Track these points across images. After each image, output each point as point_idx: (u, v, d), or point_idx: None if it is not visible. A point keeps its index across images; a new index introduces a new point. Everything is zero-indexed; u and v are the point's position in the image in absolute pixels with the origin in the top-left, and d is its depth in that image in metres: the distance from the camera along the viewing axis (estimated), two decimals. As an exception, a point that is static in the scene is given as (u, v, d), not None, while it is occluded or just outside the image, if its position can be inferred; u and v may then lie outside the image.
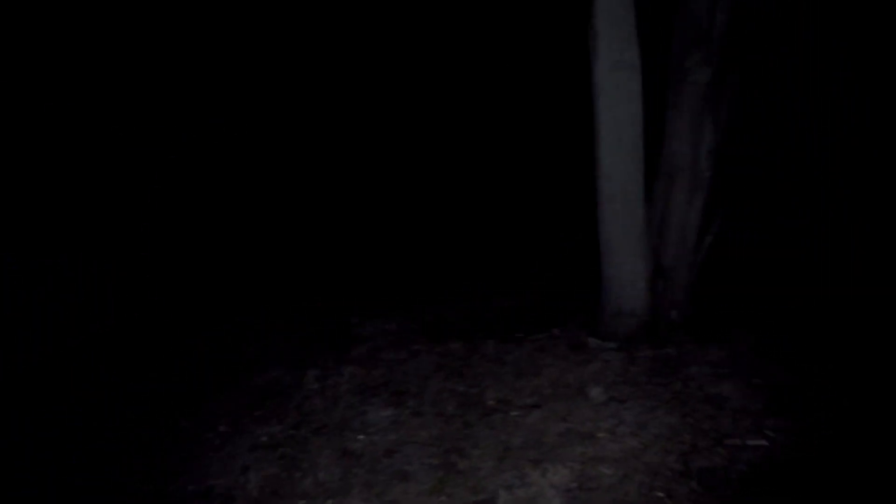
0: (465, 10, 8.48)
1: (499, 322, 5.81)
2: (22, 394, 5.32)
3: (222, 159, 8.62)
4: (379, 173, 9.40)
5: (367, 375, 4.92)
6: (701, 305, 5.33)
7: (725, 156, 5.31)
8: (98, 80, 7.50)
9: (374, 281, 7.36)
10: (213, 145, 8.53)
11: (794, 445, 3.64)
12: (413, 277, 7.38)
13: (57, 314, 6.43)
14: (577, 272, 6.02)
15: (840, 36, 6.38)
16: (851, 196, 6.71)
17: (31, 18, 6.99)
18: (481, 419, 4.20)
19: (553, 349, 5.00)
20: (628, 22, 4.88)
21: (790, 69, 6.56)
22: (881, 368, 4.30)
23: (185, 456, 4.33)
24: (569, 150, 6.57)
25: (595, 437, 3.89)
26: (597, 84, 4.98)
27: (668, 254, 5.28)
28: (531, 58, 8.41)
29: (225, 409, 4.82)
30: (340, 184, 9.25)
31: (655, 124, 5.20)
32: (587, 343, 5.06)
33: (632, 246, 5.14)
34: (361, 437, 4.15)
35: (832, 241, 6.33)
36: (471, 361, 4.97)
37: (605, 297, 5.26)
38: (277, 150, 9.09)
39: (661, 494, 3.39)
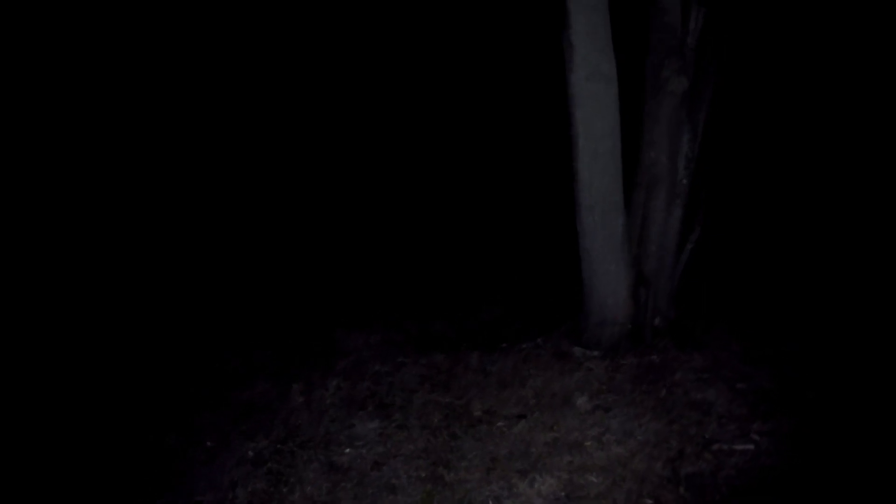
0: (464, 24, 8.54)
1: (483, 332, 5.82)
2: None
3: (200, 166, 8.57)
4: (360, 183, 9.39)
5: (352, 388, 4.90)
6: (684, 312, 5.36)
7: (704, 163, 5.36)
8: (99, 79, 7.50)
9: (358, 292, 7.33)
10: (193, 150, 8.49)
11: (780, 449, 3.68)
12: (395, 288, 7.36)
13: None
14: (561, 281, 6.03)
15: (816, 41, 6.49)
16: (832, 200, 6.79)
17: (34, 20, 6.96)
18: (467, 431, 4.21)
19: (537, 359, 5.01)
20: (604, 33, 4.90)
21: (766, 75, 6.66)
22: (864, 372, 4.34)
23: (172, 471, 4.29)
24: (554, 158, 6.59)
25: (582, 445, 3.90)
26: (572, 95, 4.98)
27: (649, 262, 5.31)
28: (518, 63, 8.44)
29: (211, 424, 4.77)
30: (323, 192, 9.23)
31: (633, 134, 5.24)
32: (572, 352, 5.07)
33: (612, 255, 5.16)
34: (348, 450, 4.14)
35: (815, 244, 6.40)
36: (456, 373, 4.96)
37: (587, 306, 5.28)
38: (252, 161, 9.04)
39: (649, 501, 3.41)
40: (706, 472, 3.57)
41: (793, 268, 6.23)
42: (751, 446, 3.73)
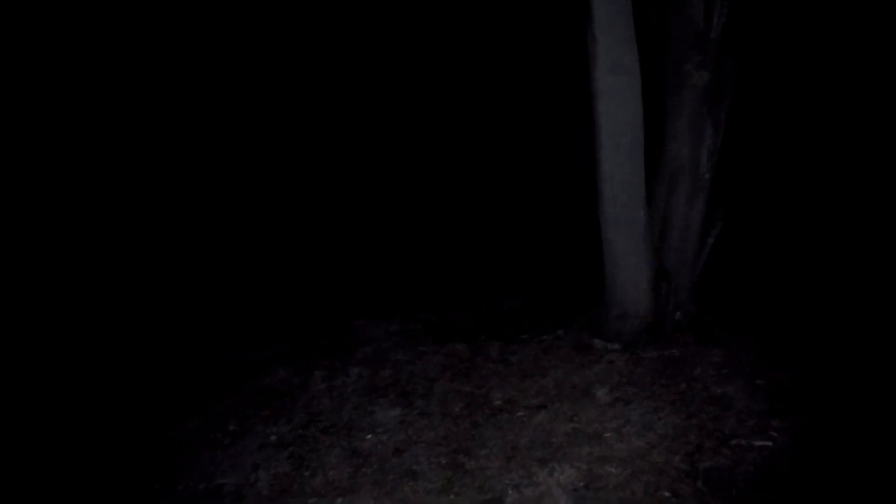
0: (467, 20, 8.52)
1: (503, 323, 5.85)
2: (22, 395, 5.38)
3: (221, 161, 8.62)
4: (381, 175, 9.41)
5: (373, 376, 4.96)
6: (704, 307, 5.37)
7: (726, 157, 5.36)
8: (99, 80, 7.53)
9: (377, 284, 7.38)
10: (215, 147, 8.53)
11: (798, 446, 3.69)
12: (415, 280, 7.41)
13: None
14: (581, 274, 6.05)
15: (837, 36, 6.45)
16: (854, 194, 6.76)
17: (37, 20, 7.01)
18: (488, 419, 4.25)
19: (558, 350, 5.05)
20: (626, 26, 4.91)
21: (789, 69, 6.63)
22: (885, 370, 4.35)
23: (195, 455, 4.34)
24: (571, 150, 6.60)
25: (601, 436, 3.94)
26: (596, 88, 5.01)
27: (671, 256, 5.33)
28: (534, 58, 8.43)
29: (233, 409, 4.83)
30: (340, 185, 9.26)
31: (655, 126, 5.25)
32: (592, 344, 5.11)
33: (634, 248, 5.18)
34: (370, 436, 4.20)
35: (835, 241, 6.38)
36: (476, 363, 5.02)
37: (608, 299, 5.30)
38: (275, 154, 9.07)
39: (667, 494, 3.44)
40: (724, 467, 3.59)
41: (813, 264, 6.22)
42: (769, 443, 3.75)
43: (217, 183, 8.59)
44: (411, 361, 5.14)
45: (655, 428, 3.97)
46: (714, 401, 4.18)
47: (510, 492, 3.54)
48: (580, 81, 5.20)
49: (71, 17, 7.19)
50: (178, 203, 8.32)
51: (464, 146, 9.38)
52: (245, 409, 4.80)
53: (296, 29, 8.58)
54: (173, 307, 7.00)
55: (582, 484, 3.56)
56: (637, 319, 5.21)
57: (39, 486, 4.13)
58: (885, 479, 3.38)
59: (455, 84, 9.06)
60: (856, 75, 6.70)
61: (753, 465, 3.60)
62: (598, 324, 5.35)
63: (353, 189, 9.34)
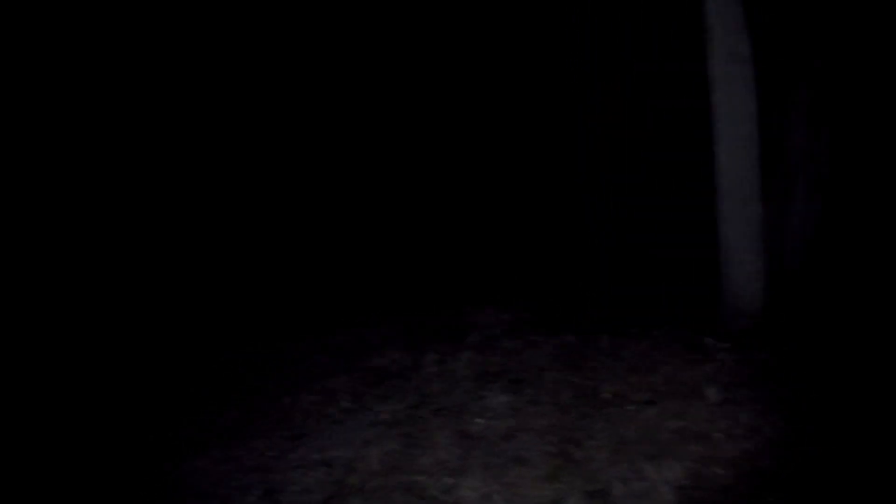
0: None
1: (613, 316, 5.87)
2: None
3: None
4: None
5: (484, 362, 5.09)
6: (819, 307, 5.27)
7: (845, 154, 5.22)
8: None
9: (485, 273, 7.46)
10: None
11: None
12: (523, 270, 7.46)
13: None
14: (693, 269, 6.00)
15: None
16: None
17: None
18: (597, 411, 4.30)
19: (668, 346, 5.06)
20: (740, 15, 4.84)
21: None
22: None
23: (311, 427, 4.55)
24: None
25: (710, 436, 3.94)
26: (712, 78, 4.96)
27: (786, 254, 5.24)
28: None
29: (347, 386, 5.03)
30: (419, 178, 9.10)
31: (774, 120, 5.15)
32: (703, 342, 5.08)
33: (748, 244, 5.12)
34: (479, 420, 4.32)
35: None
36: (586, 354, 5.07)
37: (722, 296, 5.26)
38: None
39: (772, 500, 3.43)
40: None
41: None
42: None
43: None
44: (521, 349, 5.24)
45: (764, 431, 3.95)
46: (827, 408, 4.12)
47: (617, 484, 3.59)
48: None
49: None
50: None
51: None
52: (357, 387, 5.00)
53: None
54: (294, 288, 7.26)
55: (688, 483, 3.57)
56: (750, 318, 5.16)
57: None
58: None
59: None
60: None
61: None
62: (709, 321, 5.32)
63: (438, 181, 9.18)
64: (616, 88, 6.18)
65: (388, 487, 3.76)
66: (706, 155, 5.42)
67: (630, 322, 5.61)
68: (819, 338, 4.96)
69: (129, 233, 7.38)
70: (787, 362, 4.71)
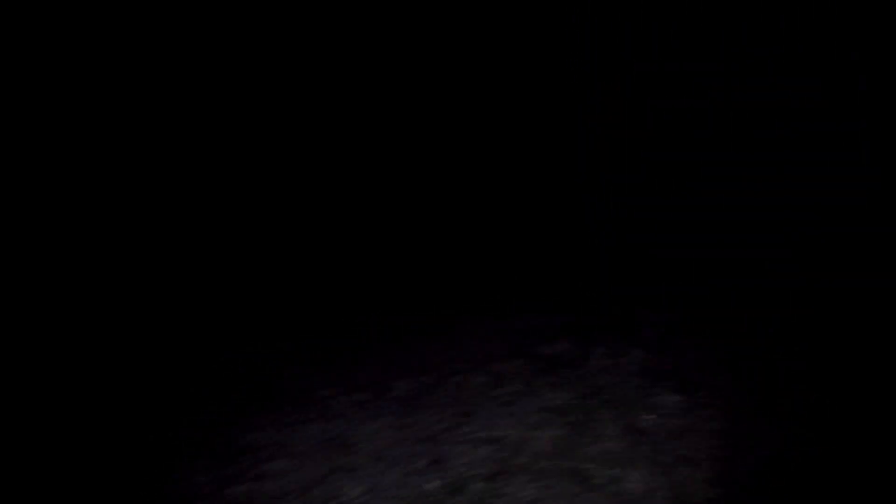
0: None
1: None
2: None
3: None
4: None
5: (655, 360, 5.06)
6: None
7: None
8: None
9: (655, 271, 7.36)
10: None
11: None
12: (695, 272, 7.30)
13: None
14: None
15: None
16: None
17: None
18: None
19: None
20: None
21: None
22: None
23: (475, 406, 4.72)
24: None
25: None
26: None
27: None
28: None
29: (516, 371, 5.15)
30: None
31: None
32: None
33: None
34: (648, 416, 4.32)
35: None
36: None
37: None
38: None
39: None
40: None
41: None
42: None
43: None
44: (694, 352, 5.19)
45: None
46: None
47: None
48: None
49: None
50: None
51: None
52: (528, 374, 5.11)
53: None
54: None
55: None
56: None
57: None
58: None
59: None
60: None
61: None
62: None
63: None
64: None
65: (555, 470, 3.84)
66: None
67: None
68: None
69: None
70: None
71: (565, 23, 6.36)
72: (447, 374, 5.25)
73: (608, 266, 6.60)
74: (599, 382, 4.81)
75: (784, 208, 6.22)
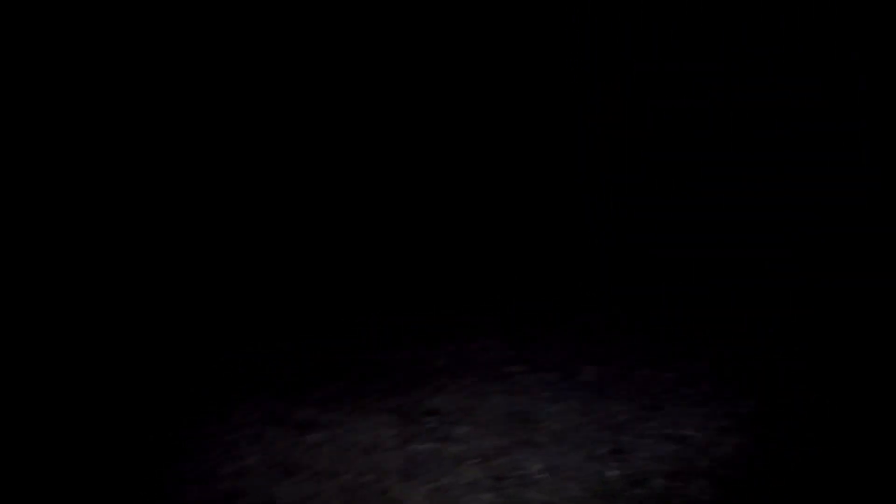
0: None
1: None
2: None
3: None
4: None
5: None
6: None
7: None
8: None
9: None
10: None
11: None
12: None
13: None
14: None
15: None
16: None
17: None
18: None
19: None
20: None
21: None
22: None
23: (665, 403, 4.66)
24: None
25: None
26: None
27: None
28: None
29: (707, 372, 5.12)
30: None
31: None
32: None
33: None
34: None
35: None
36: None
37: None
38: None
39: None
40: None
41: None
42: None
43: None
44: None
45: None
46: None
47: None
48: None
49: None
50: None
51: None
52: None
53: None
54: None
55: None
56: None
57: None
58: None
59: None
60: None
61: None
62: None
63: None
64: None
65: (736, 478, 3.72)
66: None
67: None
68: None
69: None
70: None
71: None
72: (632, 367, 5.20)
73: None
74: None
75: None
